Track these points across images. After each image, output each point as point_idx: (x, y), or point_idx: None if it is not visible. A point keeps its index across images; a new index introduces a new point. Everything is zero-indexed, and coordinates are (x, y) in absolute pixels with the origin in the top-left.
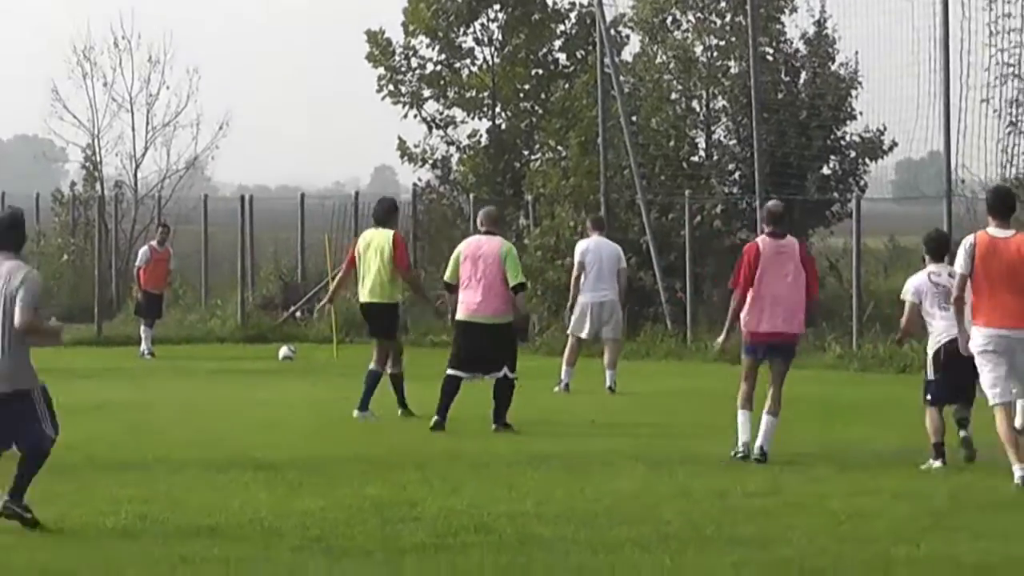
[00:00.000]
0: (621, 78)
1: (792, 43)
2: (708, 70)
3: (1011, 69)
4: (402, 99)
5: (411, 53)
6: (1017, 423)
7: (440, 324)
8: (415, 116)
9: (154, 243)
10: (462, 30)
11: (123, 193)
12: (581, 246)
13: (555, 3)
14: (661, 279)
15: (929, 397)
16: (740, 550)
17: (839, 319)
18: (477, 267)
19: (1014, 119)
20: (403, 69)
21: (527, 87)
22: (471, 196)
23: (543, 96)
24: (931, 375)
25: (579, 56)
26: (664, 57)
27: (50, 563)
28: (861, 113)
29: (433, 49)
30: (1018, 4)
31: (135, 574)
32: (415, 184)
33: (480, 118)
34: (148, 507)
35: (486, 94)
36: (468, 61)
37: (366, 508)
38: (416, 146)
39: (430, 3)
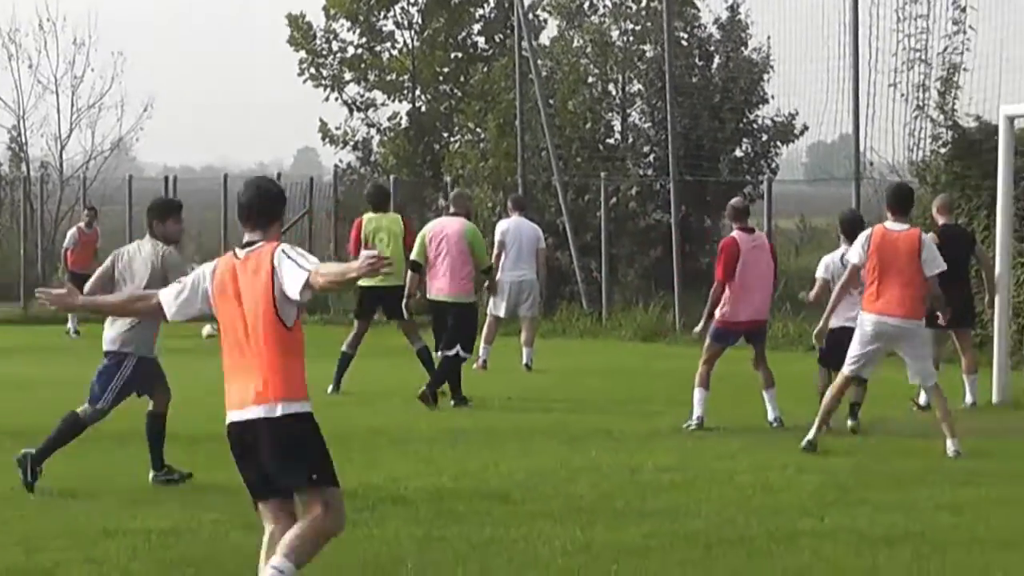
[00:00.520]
0: (539, 62)
1: (706, 28)
2: (624, 54)
3: (918, 54)
4: (323, 82)
5: (332, 37)
6: (921, 400)
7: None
8: (336, 99)
9: (81, 225)
10: (382, 14)
11: (48, 174)
12: (502, 226)
13: None
14: (577, 259)
15: (820, 358)
16: (651, 522)
17: None
18: (441, 248)
19: (921, 103)
20: (324, 53)
21: (446, 70)
22: (391, 177)
23: (462, 79)
24: (826, 345)
25: (497, 40)
26: (581, 41)
27: None
28: (773, 97)
29: (354, 33)
30: None
31: (59, 546)
32: (336, 165)
33: (400, 101)
34: (77, 483)
35: (406, 77)
36: (388, 44)
37: None
38: (337, 128)
39: None
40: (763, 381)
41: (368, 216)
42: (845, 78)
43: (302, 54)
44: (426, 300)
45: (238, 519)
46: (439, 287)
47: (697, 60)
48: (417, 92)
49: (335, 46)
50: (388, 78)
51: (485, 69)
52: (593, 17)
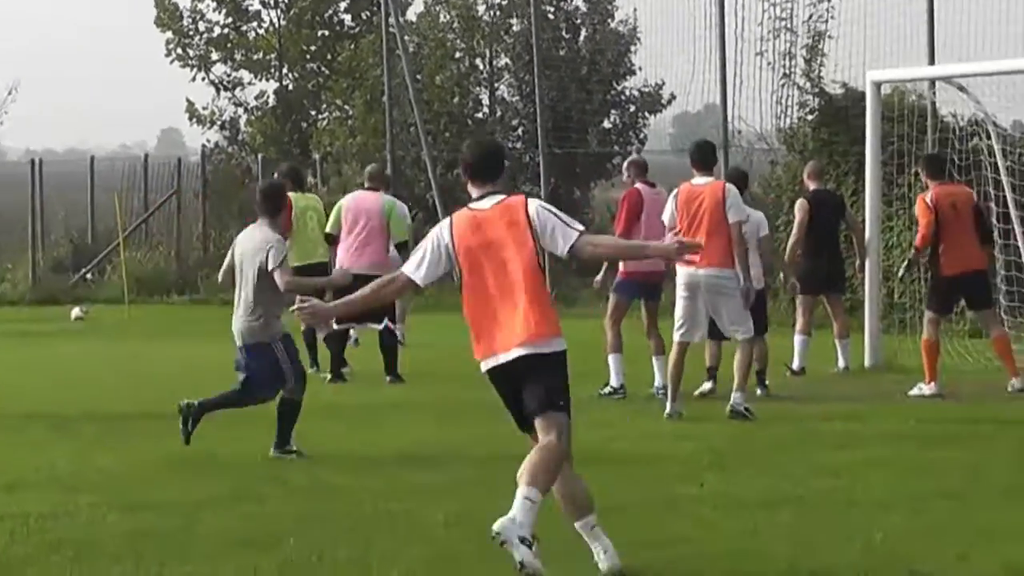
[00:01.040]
0: (406, 38)
1: (572, 1)
2: (491, 28)
3: (783, 23)
4: (190, 62)
5: (198, 17)
6: (795, 365)
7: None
8: (203, 79)
9: None
10: None
11: None
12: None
13: None
14: None
15: None
16: None
17: None
18: (358, 220)
19: (787, 71)
20: (191, 33)
21: (313, 48)
22: (260, 156)
23: (329, 57)
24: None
25: (364, 17)
26: (448, 16)
27: None
28: (640, 68)
29: (220, 12)
30: None
31: None
32: (204, 145)
33: (267, 79)
34: None
35: (273, 56)
36: (255, 24)
37: (161, 463)
38: (204, 108)
39: None
40: (653, 348)
41: (295, 196)
42: (711, 47)
43: (169, 35)
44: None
45: (116, 501)
46: (356, 260)
47: (564, 33)
48: (284, 70)
49: (202, 26)
50: (255, 57)
51: (352, 46)
52: None
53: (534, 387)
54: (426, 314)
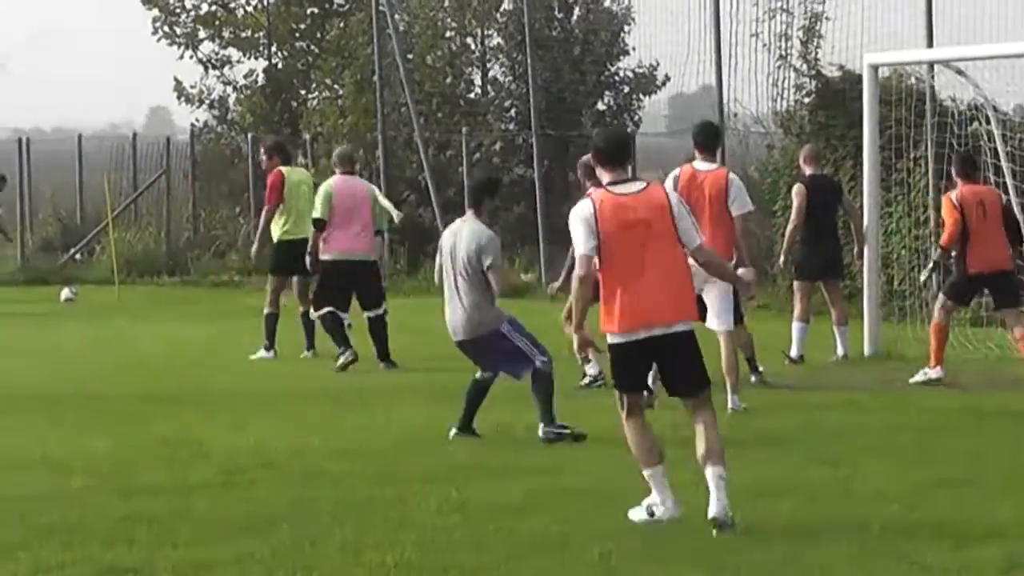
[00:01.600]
0: (396, 16)
1: None
2: (482, 7)
3: (779, 3)
4: (177, 40)
5: None
6: (793, 353)
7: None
8: (191, 57)
9: None
10: None
11: None
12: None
13: None
14: (440, 216)
15: None
16: (528, 480)
17: None
18: (351, 206)
19: (783, 53)
20: (177, 11)
21: (302, 26)
22: (249, 135)
23: (319, 35)
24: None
25: None
26: None
27: None
28: (634, 49)
29: None
30: None
31: None
32: (193, 124)
33: (256, 58)
34: None
35: (262, 34)
36: (243, 1)
37: (154, 447)
38: (192, 87)
39: None
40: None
41: (288, 169)
42: (706, 28)
43: (155, 12)
44: (322, 260)
45: (107, 484)
46: (350, 246)
47: (557, 13)
48: (273, 49)
49: (189, 4)
50: (243, 35)
51: (342, 24)
52: None
53: (685, 363)
54: (420, 297)
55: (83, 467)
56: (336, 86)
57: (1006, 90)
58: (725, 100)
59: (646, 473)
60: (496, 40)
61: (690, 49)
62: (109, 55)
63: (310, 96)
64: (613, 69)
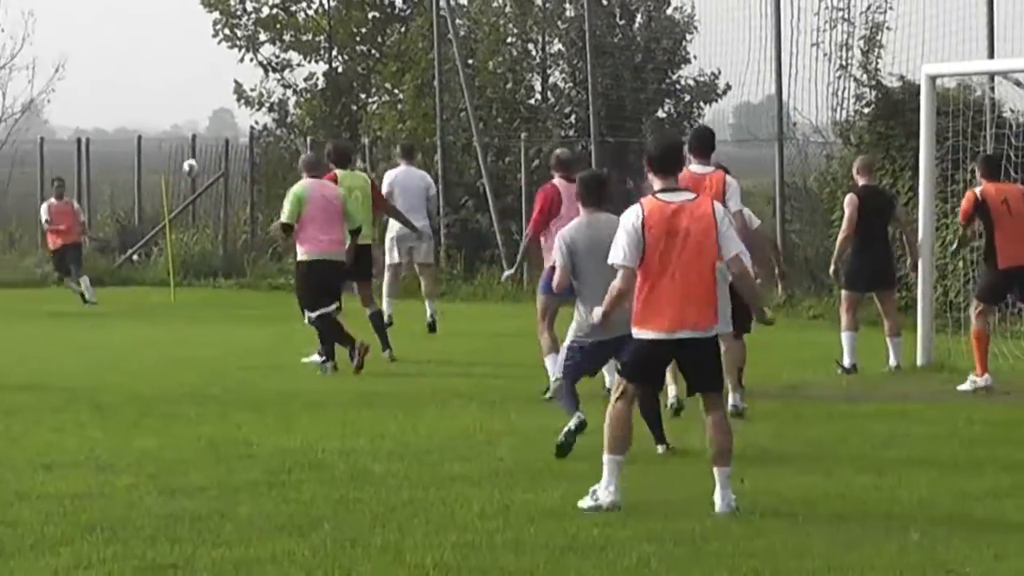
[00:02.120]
0: (457, 21)
1: None
2: (544, 13)
3: (840, 13)
4: (238, 43)
5: None
6: (846, 363)
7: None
8: (251, 60)
9: (52, 199)
10: None
11: None
12: (389, 176)
13: None
14: (497, 222)
15: None
16: (569, 485)
17: None
18: (328, 206)
19: (844, 63)
20: (239, 13)
21: (363, 30)
22: (308, 139)
23: (379, 39)
24: None
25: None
26: (500, 1)
27: None
28: (696, 57)
29: None
30: None
31: None
32: (252, 127)
33: (316, 61)
34: None
35: (322, 37)
36: (304, 4)
37: (201, 447)
38: (252, 90)
39: None
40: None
41: (342, 173)
42: (767, 37)
43: (216, 15)
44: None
45: (153, 483)
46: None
47: (619, 19)
48: (334, 52)
49: (249, 6)
50: (304, 38)
51: (402, 29)
52: None
53: (707, 366)
54: (474, 303)
55: (129, 466)
56: (396, 90)
57: None
58: (785, 109)
59: (607, 457)
60: (557, 46)
61: (751, 58)
62: (177, 57)
63: (370, 100)
64: (674, 77)
